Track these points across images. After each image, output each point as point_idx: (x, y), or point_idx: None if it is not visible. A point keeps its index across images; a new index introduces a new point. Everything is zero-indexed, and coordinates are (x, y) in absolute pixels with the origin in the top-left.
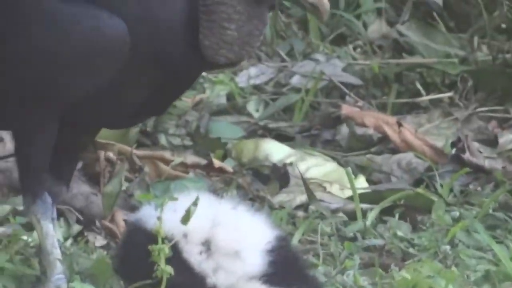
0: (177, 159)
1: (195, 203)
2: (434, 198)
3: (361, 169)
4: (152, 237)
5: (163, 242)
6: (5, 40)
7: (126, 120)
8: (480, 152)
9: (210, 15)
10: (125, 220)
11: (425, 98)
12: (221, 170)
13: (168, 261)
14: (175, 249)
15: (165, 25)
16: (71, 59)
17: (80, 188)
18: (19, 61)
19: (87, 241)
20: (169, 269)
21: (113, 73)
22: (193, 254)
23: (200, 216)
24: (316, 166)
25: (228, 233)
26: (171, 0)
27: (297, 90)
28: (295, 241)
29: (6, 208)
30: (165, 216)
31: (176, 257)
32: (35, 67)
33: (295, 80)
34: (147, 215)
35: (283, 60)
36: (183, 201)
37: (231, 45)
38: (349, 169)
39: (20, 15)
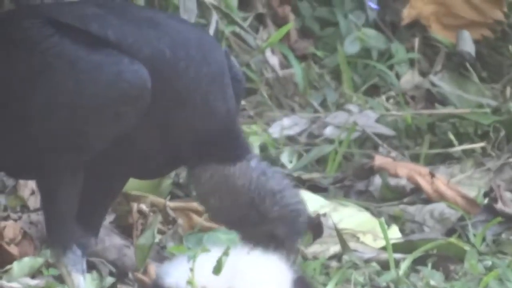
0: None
1: (226, 253)
2: (467, 247)
3: (394, 219)
4: None
5: None
6: (27, 90)
7: (153, 170)
8: None
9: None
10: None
11: (458, 148)
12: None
13: None
14: None
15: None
16: (94, 107)
17: (112, 240)
18: (41, 111)
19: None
20: None
21: (136, 119)
22: None
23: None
24: (349, 217)
25: (248, 281)
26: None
27: (330, 141)
28: None
29: (39, 260)
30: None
31: None
32: (58, 117)
33: (328, 131)
34: (164, 273)
35: (316, 111)
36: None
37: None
38: (382, 219)
39: (42, 64)
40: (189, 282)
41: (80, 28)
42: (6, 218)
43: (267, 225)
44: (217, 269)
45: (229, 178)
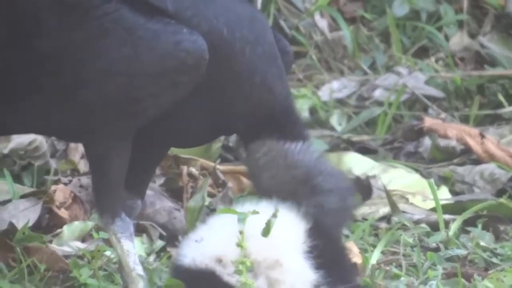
0: None
1: (274, 215)
2: None
3: (443, 180)
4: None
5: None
6: (83, 56)
7: (198, 139)
8: None
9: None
10: None
11: (508, 109)
12: None
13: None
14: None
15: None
16: (150, 75)
17: (162, 203)
18: (97, 77)
19: (170, 257)
20: (251, 282)
21: (191, 88)
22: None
23: (228, 236)
24: (398, 178)
25: (261, 247)
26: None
27: (379, 103)
28: (377, 252)
29: (89, 224)
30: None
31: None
32: (113, 83)
33: (378, 94)
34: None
35: (365, 74)
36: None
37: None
38: (432, 180)
39: (98, 30)
40: (239, 245)
41: None
42: (56, 182)
43: (318, 197)
44: (266, 231)
45: (287, 154)
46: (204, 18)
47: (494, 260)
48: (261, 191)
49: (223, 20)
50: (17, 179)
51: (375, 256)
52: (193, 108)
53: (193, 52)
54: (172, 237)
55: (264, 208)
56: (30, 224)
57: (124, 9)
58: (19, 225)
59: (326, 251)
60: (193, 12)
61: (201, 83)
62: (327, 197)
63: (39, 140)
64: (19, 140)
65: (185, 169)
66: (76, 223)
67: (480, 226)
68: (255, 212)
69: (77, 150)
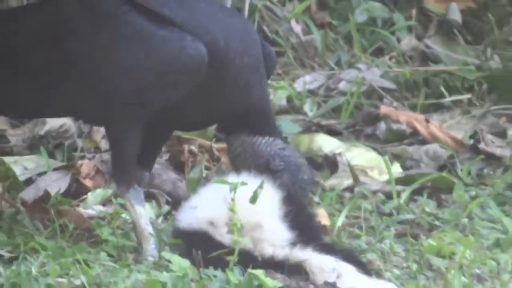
0: None
1: (260, 186)
2: (455, 180)
3: (396, 157)
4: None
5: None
6: (106, 55)
7: (195, 126)
8: (493, 143)
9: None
10: None
11: (448, 99)
12: None
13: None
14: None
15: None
16: (160, 77)
17: (168, 175)
18: (116, 72)
19: (174, 219)
20: (244, 240)
21: (191, 86)
22: (225, 236)
23: (218, 203)
24: (359, 156)
25: (247, 212)
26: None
27: (343, 93)
28: (342, 217)
29: (109, 191)
30: (192, 210)
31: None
32: (129, 77)
33: (342, 85)
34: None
35: (332, 69)
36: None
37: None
38: (386, 157)
39: (119, 34)
40: (231, 210)
41: (153, 9)
42: (82, 158)
43: (275, 176)
44: (253, 199)
45: (254, 146)
46: (206, 30)
47: (437, 223)
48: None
49: (221, 33)
50: (51, 155)
51: (340, 220)
52: (193, 102)
53: (194, 57)
54: (176, 202)
55: (247, 180)
56: (61, 191)
57: (140, 18)
58: (52, 192)
59: (298, 215)
60: (197, 24)
61: (199, 82)
62: (281, 175)
63: (68, 123)
64: (52, 124)
65: (186, 147)
66: (98, 190)
67: (425, 195)
68: (244, 183)
69: (99, 132)
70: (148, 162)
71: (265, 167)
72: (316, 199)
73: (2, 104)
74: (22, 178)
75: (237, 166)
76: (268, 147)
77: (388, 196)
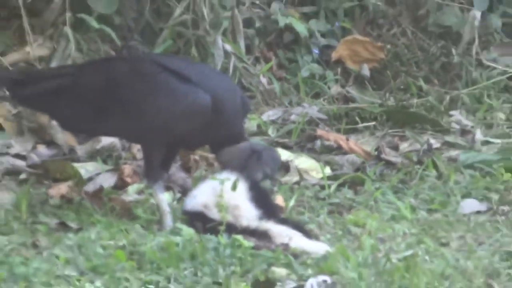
0: None
1: (238, 180)
2: (366, 177)
3: (327, 163)
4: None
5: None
6: (144, 103)
7: (197, 146)
8: (390, 153)
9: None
10: None
11: (361, 125)
12: None
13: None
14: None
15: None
16: (180, 116)
17: (180, 174)
18: (150, 114)
19: (183, 203)
20: (230, 216)
21: (200, 123)
22: (216, 213)
23: (209, 193)
24: (303, 162)
25: (228, 197)
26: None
27: (293, 122)
28: (292, 201)
29: (141, 185)
30: (194, 197)
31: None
32: (160, 117)
33: (293, 117)
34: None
35: (286, 107)
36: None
37: (227, 162)
38: (321, 163)
39: (154, 88)
40: (220, 196)
41: (177, 71)
42: (124, 164)
43: (258, 164)
44: (233, 187)
45: (235, 150)
46: (209, 85)
47: (354, 205)
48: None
49: (218, 88)
50: (104, 162)
51: (291, 203)
52: (198, 132)
53: (204, 105)
54: (185, 192)
55: (230, 176)
56: (111, 185)
57: (168, 76)
58: (105, 185)
59: (264, 200)
60: (204, 82)
61: (205, 121)
62: (262, 155)
63: (116, 141)
64: (105, 142)
65: (192, 156)
66: (135, 185)
67: (346, 187)
68: (227, 179)
69: (135, 147)
70: (167, 166)
71: (249, 156)
72: (276, 189)
73: (75, 127)
74: (85, 177)
75: (226, 167)
76: (246, 145)
77: (322, 187)
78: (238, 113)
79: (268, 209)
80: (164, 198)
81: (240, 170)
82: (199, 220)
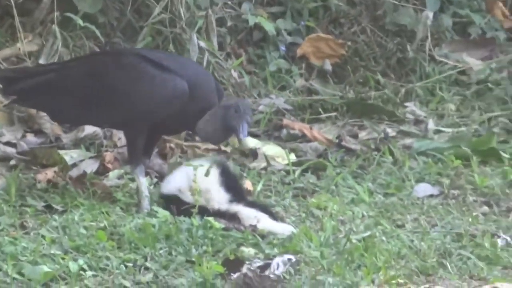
0: (204, 146)
1: (211, 165)
2: (328, 163)
3: (292, 150)
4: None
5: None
6: (126, 91)
7: (176, 131)
8: (350, 141)
9: (207, 118)
10: None
11: (323, 116)
12: (224, 152)
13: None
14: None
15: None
16: (160, 102)
17: (157, 161)
18: (132, 101)
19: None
20: (202, 199)
21: (178, 108)
22: (190, 197)
23: (184, 178)
24: (270, 149)
25: (201, 182)
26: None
27: (262, 112)
28: (260, 185)
29: (122, 171)
30: (170, 182)
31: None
32: (141, 103)
33: (261, 108)
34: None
35: (255, 98)
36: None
37: (205, 134)
38: (287, 150)
39: (135, 77)
40: (194, 181)
41: (156, 61)
42: (106, 151)
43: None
44: (207, 173)
45: (206, 117)
46: (186, 74)
47: (317, 189)
48: (204, 140)
49: (193, 77)
50: (87, 149)
51: (259, 187)
52: (176, 117)
53: (181, 90)
54: (161, 177)
55: (203, 163)
56: (93, 170)
57: (149, 66)
58: (88, 171)
59: (233, 184)
60: (181, 70)
61: (182, 105)
62: (241, 114)
63: (98, 130)
64: (88, 130)
65: (168, 144)
66: (115, 171)
67: (310, 172)
68: (201, 165)
69: (116, 135)
70: (149, 153)
71: (225, 110)
72: (245, 174)
73: (60, 117)
74: (70, 163)
75: (205, 136)
76: (215, 108)
77: (288, 173)
78: (212, 98)
79: (238, 193)
80: (145, 182)
81: (218, 133)
82: (174, 203)
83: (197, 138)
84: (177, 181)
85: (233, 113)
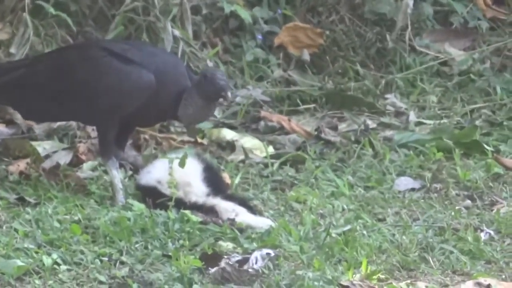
0: (179, 138)
1: (185, 156)
2: (306, 156)
3: (270, 142)
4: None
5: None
6: (92, 84)
7: (150, 123)
8: (329, 133)
9: (185, 101)
10: None
11: (302, 107)
12: (201, 144)
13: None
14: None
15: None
16: (126, 95)
17: (131, 152)
18: (100, 94)
19: (135, 179)
20: (181, 192)
21: (144, 100)
22: (167, 190)
23: (163, 169)
24: (248, 141)
25: (180, 175)
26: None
27: (238, 104)
28: (238, 178)
29: (95, 163)
30: (149, 173)
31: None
32: (108, 96)
33: (238, 99)
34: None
35: (232, 89)
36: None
37: (189, 117)
38: (265, 142)
39: (100, 70)
40: (170, 174)
41: (121, 53)
42: (79, 142)
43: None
44: (182, 163)
45: (183, 102)
46: (152, 64)
47: (296, 182)
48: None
49: (161, 65)
50: (60, 140)
51: (237, 180)
52: (146, 108)
53: (147, 82)
54: (136, 169)
55: (180, 155)
56: (67, 162)
57: (114, 59)
58: (62, 162)
59: (211, 177)
60: (148, 61)
61: (150, 96)
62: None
63: (72, 121)
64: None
65: (142, 135)
66: (89, 162)
67: (288, 165)
68: (177, 158)
69: (90, 127)
70: (122, 145)
71: (199, 85)
72: (222, 167)
73: (30, 114)
74: (42, 154)
75: (190, 121)
76: (188, 90)
77: (266, 165)
78: (183, 82)
79: (216, 186)
80: (118, 175)
81: (200, 110)
82: (151, 195)
83: (172, 129)
84: (157, 173)
85: (208, 81)
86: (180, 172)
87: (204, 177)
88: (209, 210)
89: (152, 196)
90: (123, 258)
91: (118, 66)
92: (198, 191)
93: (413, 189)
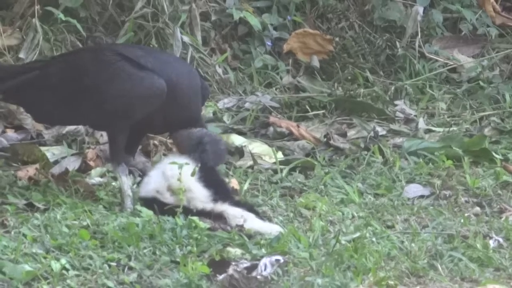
0: None
1: (197, 167)
2: (316, 162)
3: (279, 148)
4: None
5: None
6: (105, 88)
7: (158, 131)
8: (338, 140)
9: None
10: None
11: (311, 113)
12: None
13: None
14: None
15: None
16: (139, 100)
17: (140, 158)
18: (112, 99)
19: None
20: (184, 199)
21: (157, 106)
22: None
23: (161, 179)
24: (257, 147)
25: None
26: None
27: (247, 110)
28: (246, 184)
29: (104, 169)
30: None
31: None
32: (120, 102)
33: (247, 105)
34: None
35: (240, 95)
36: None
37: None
38: (274, 148)
39: (113, 75)
40: (178, 180)
41: (134, 59)
42: (88, 148)
43: (203, 151)
44: (193, 173)
45: (189, 134)
46: (165, 71)
47: (305, 188)
48: (181, 152)
49: (174, 73)
50: (69, 146)
51: (245, 186)
52: (157, 116)
53: (159, 89)
54: (145, 176)
55: (185, 161)
56: (75, 168)
57: (126, 64)
58: (70, 168)
59: (219, 183)
60: (160, 68)
61: (161, 104)
62: (206, 151)
63: (80, 127)
64: (70, 127)
65: (151, 141)
66: (98, 168)
67: (297, 171)
68: (187, 164)
69: (98, 132)
70: (132, 151)
71: (197, 144)
72: (231, 173)
73: (42, 117)
74: (51, 160)
75: (182, 150)
76: (198, 132)
77: (275, 171)
78: (194, 97)
79: (224, 192)
80: (127, 181)
81: (190, 153)
82: (153, 206)
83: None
84: (154, 183)
85: (199, 151)
86: (180, 179)
87: (207, 182)
88: (217, 217)
89: (153, 205)
90: (132, 264)
91: (131, 71)
92: (201, 196)
93: (422, 196)
